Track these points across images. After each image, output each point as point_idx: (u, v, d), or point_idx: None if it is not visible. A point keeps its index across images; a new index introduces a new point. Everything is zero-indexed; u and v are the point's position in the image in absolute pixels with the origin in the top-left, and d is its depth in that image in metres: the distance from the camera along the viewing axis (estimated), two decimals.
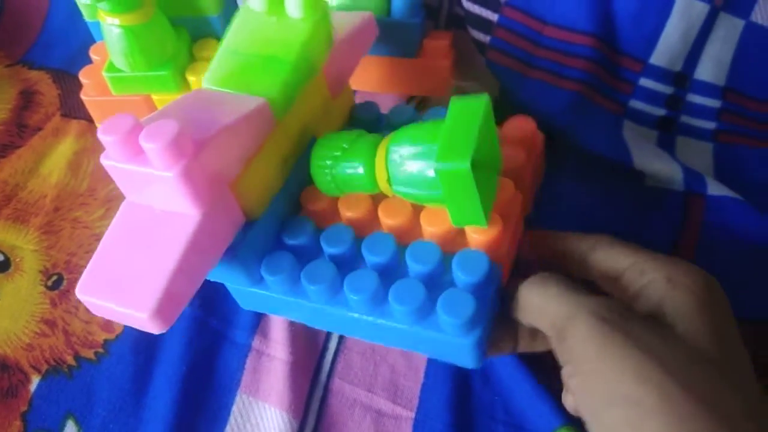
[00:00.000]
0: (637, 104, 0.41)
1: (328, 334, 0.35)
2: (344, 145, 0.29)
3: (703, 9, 0.37)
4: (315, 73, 0.31)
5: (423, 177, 0.26)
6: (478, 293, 0.26)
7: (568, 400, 0.27)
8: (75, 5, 0.40)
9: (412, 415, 0.32)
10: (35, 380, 0.34)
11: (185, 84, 0.38)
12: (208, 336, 0.35)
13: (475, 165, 0.24)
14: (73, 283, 0.37)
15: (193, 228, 0.25)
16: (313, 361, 0.34)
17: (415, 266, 0.27)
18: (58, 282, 0.37)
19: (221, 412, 0.33)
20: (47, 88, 0.47)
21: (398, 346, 0.29)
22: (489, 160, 0.27)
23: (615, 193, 0.37)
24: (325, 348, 0.35)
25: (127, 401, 0.33)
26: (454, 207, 0.26)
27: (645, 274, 0.25)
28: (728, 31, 0.38)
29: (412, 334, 0.27)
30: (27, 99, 0.47)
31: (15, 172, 0.42)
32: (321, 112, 0.33)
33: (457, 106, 0.26)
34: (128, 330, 0.35)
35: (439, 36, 0.40)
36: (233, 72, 0.29)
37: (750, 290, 0.32)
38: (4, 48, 0.50)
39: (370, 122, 0.36)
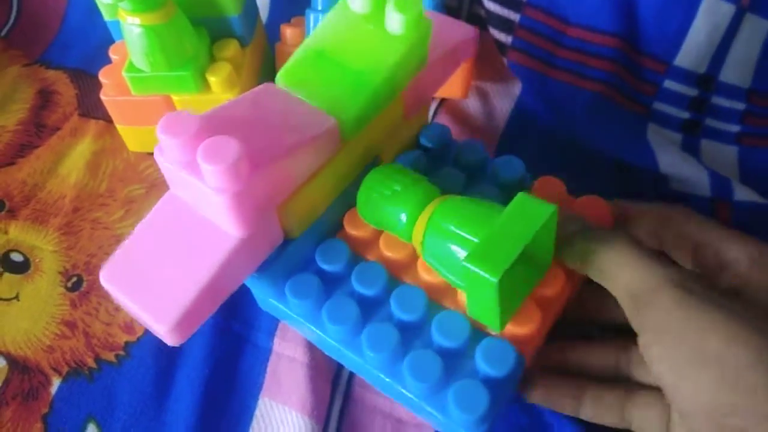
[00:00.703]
0: (661, 106, 0.40)
1: None
2: (396, 188, 0.28)
3: (729, 9, 0.37)
4: (396, 94, 0.29)
5: (454, 261, 0.25)
6: (495, 390, 0.25)
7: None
8: (93, 4, 0.39)
9: None
10: (56, 382, 0.34)
11: (205, 84, 0.38)
12: (229, 339, 0.35)
13: (511, 271, 0.23)
14: (93, 284, 0.37)
15: (231, 247, 0.24)
16: (333, 365, 0.34)
17: (439, 338, 0.26)
18: (78, 283, 0.37)
19: (244, 416, 0.32)
20: (65, 88, 0.47)
21: (406, 407, 0.28)
22: (536, 260, 0.26)
23: (638, 198, 0.37)
24: None
25: (149, 405, 0.33)
26: (473, 303, 0.25)
27: (729, 252, 0.25)
28: (754, 32, 0.37)
29: (420, 405, 0.26)
30: (45, 98, 0.46)
31: (34, 172, 0.42)
32: (390, 132, 0.31)
33: (521, 204, 0.24)
34: (150, 333, 0.35)
35: None
36: (312, 77, 0.28)
37: None
38: (21, 47, 0.50)
39: (437, 151, 0.33)
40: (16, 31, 0.51)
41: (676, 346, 0.22)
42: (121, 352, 0.35)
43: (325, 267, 0.29)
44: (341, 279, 0.29)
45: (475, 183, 0.32)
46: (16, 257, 0.39)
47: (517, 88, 0.43)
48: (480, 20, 0.45)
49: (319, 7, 0.40)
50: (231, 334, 0.35)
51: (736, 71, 0.38)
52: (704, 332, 0.22)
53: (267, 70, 0.44)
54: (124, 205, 0.40)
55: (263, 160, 0.24)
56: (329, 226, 0.30)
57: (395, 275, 0.29)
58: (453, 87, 0.41)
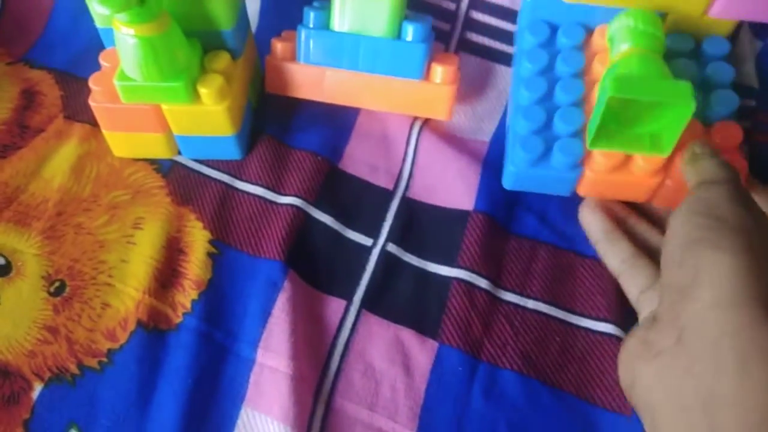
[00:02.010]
0: None
1: (330, 348, 0.36)
2: None
3: None
4: None
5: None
6: None
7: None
8: (80, 6, 0.39)
9: None
10: (38, 388, 0.34)
11: (196, 95, 0.38)
12: (212, 349, 0.35)
13: (625, 105, 0.34)
14: (76, 290, 0.37)
15: None
16: (315, 376, 0.35)
17: None
18: (61, 288, 0.37)
19: (226, 425, 0.33)
20: (49, 89, 0.47)
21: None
22: (656, 134, 0.35)
23: None
24: (326, 365, 0.35)
25: (132, 412, 0.33)
26: (594, 116, 0.34)
27: None
28: None
29: None
30: (29, 99, 0.46)
31: (16, 174, 0.42)
32: None
33: (681, 86, 0.32)
34: (133, 340, 0.35)
35: (447, 60, 0.41)
36: None
37: None
38: (4, 45, 0.50)
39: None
40: (0, 28, 0.51)
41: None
42: (104, 359, 0.35)
43: None
44: None
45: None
46: None
47: (501, 109, 0.45)
48: (470, 45, 0.47)
49: (311, 24, 0.40)
50: (214, 344, 0.35)
51: None
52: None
53: (256, 83, 0.45)
54: (107, 211, 0.40)
55: None
56: None
57: None
58: (438, 108, 0.42)
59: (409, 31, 0.39)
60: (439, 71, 0.41)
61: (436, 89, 0.41)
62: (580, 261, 0.39)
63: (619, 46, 0.36)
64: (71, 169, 0.42)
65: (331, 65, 0.41)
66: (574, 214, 0.39)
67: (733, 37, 0.41)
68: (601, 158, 0.36)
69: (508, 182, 0.39)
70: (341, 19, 0.40)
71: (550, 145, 0.37)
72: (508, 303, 0.37)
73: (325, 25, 0.41)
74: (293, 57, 0.42)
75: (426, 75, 0.41)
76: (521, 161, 0.37)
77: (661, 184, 0.37)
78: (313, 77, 0.42)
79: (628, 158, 0.36)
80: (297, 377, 0.34)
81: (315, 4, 0.42)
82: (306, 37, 0.41)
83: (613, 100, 0.32)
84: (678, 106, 0.32)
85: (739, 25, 0.41)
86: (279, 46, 0.42)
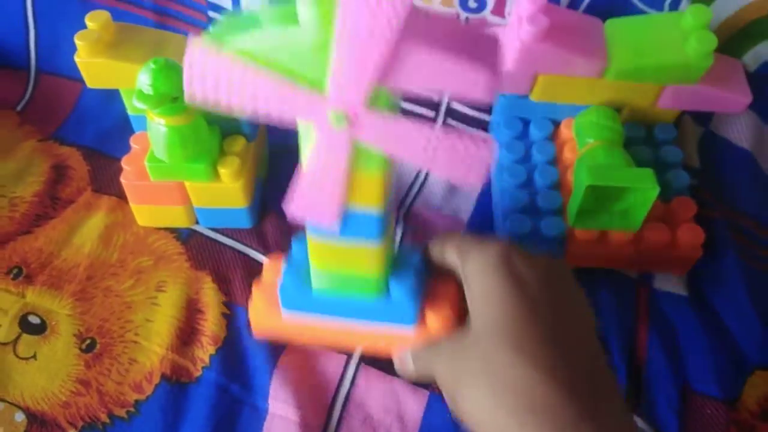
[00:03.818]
0: None
1: (333, 400, 0.40)
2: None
3: None
4: None
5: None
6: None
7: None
8: (105, 91, 0.45)
9: None
10: None
11: (216, 175, 0.44)
12: (229, 400, 0.40)
13: (598, 191, 0.39)
14: (106, 347, 0.42)
15: None
16: (320, 424, 0.39)
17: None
18: (92, 345, 0.42)
19: None
20: (78, 164, 0.52)
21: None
22: (626, 213, 0.41)
23: None
24: (329, 414, 0.40)
25: None
26: (572, 200, 0.42)
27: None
28: None
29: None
30: (59, 173, 0.51)
31: (50, 242, 0.47)
32: None
33: (644, 173, 0.39)
34: (158, 392, 0.40)
35: (440, 304, 0.37)
36: None
37: None
38: (36, 123, 0.55)
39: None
40: (32, 107, 0.57)
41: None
42: (132, 409, 0.39)
43: None
44: None
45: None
46: (34, 320, 0.43)
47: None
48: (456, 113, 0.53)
49: (291, 273, 0.37)
50: (230, 396, 0.40)
51: None
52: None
53: (265, 160, 0.51)
54: (133, 275, 0.45)
55: None
56: None
57: None
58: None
59: (396, 288, 0.36)
60: (433, 319, 0.37)
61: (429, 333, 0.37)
62: None
63: (585, 139, 0.43)
64: (100, 237, 0.47)
65: (314, 314, 0.38)
66: None
67: (676, 123, 0.48)
68: (581, 234, 0.42)
69: None
70: (319, 279, 0.36)
71: (536, 223, 0.43)
72: None
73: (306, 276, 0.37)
74: (276, 303, 0.38)
75: (419, 321, 0.37)
76: (512, 237, 0.43)
77: (635, 253, 0.43)
78: (297, 329, 0.39)
79: (604, 233, 0.42)
80: (304, 424, 0.38)
81: (297, 248, 0.39)
82: (283, 291, 0.37)
83: (589, 187, 0.39)
84: (644, 190, 0.39)
85: (682, 114, 0.48)
86: (258, 297, 0.39)
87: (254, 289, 0.39)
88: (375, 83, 0.25)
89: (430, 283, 0.37)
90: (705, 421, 0.39)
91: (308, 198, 0.31)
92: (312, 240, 0.34)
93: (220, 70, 0.26)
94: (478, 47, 0.26)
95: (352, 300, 0.36)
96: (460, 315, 0.36)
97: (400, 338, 0.37)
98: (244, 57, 0.26)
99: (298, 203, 0.31)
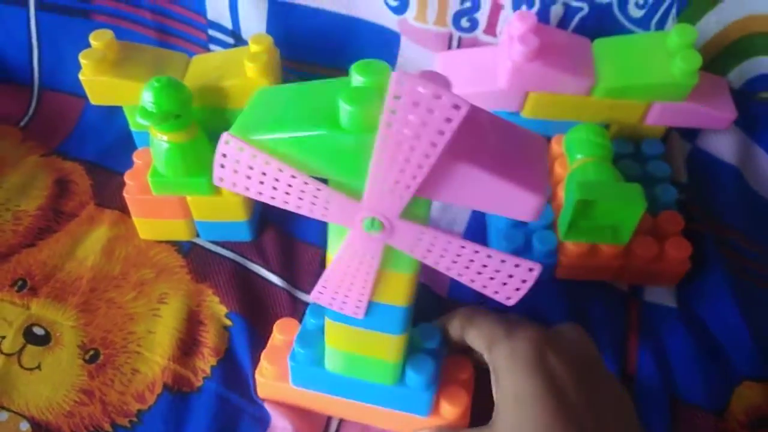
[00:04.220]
0: None
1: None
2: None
3: None
4: None
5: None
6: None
7: None
8: (107, 107, 0.46)
9: None
10: None
11: (217, 189, 0.45)
12: (230, 409, 0.40)
13: (589, 205, 0.41)
14: (110, 357, 0.43)
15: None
16: (319, 430, 0.40)
17: None
18: (95, 356, 0.43)
19: None
20: (80, 179, 0.53)
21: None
22: (616, 229, 0.43)
23: None
24: (328, 423, 0.41)
25: None
26: (563, 213, 0.43)
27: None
28: None
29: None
30: (62, 187, 0.53)
31: (53, 255, 0.48)
32: None
33: (634, 189, 0.40)
34: (160, 402, 0.41)
35: (456, 394, 0.37)
36: None
37: None
38: (39, 139, 0.56)
39: None
40: (35, 123, 0.58)
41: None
42: (134, 419, 0.40)
43: None
44: None
45: None
46: (38, 331, 0.44)
47: None
48: None
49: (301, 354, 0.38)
50: (231, 405, 0.41)
51: None
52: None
53: None
54: (135, 287, 0.46)
55: None
56: None
57: None
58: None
59: (414, 378, 0.35)
60: (448, 409, 0.37)
61: (443, 421, 0.37)
62: None
63: (575, 155, 0.44)
64: (102, 250, 0.48)
65: (325, 393, 0.38)
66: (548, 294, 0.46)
67: (663, 139, 0.49)
68: (572, 247, 0.43)
69: None
70: (333, 360, 0.36)
71: (528, 237, 0.44)
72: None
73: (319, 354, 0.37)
74: (284, 377, 0.39)
75: (433, 410, 0.37)
76: (506, 251, 0.44)
77: (624, 265, 0.44)
78: (306, 399, 0.39)
79: (594, 246, 0.43)
80: None
81: (311, 320, 0.38)
82: (294, 369, 0.38)
83: (579, 202, 0.40)
84: (632, 205, 0.40)
85: (669, 130, 0.49)
86: (266, 367, 0.39)
87: (263, 355, 0.39)
88: (415, 195, 0.24)
89: (445, 363, 0.38)
90: (694, 431, 0.40)
91: (334, 290, 0.30)
92: (330, 321, 0.34)
93: (254, 164, 0.25)
94: (527, 153, 0.25)
95: (366, 383, 0.36)
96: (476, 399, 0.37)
97: (412, 422, 0.37)
98: (279, 153, 0.25)
99: (323, 295, 0.31)
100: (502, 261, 0.27)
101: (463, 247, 0.27)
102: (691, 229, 0.46)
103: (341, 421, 0.41)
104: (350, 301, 0.31)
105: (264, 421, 0.40)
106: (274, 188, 0.26)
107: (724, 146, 0.50)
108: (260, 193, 0.27)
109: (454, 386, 0.37)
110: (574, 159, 0.44)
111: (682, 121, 0.47)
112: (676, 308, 0.45)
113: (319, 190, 0.26)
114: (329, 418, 0.41)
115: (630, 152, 0.48)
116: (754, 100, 0.48)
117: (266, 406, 0.40)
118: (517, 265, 0.27)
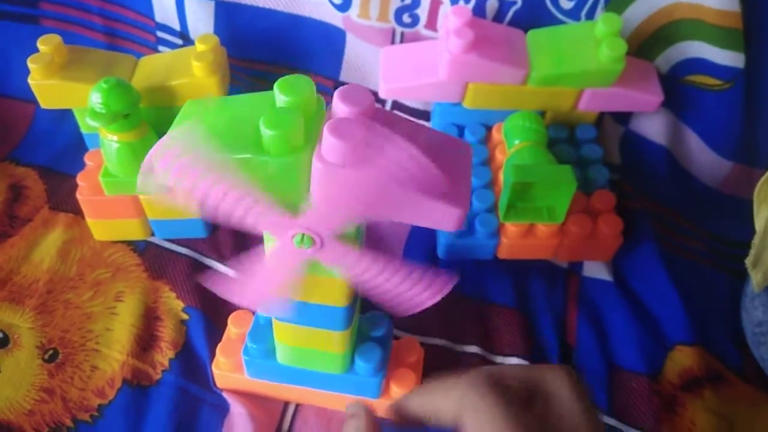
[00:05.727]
0: None
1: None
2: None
3: None
4: None
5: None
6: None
7: None
8: (58, 112, 0.47)
9: None
10: None
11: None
12: (189, 400, 0.42)
13: (523, 186, 0.43)
14: (69, 356, 0.43)
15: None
16: (276, 415, 0.42)
17: None
18: (54, 355, 0.44)
19: None
20: (34, 183, 0.54)
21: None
22: (550, 209, 0.45)
23: None
24: (285, 408, 0.42)
25: None
26: (502, 196, 0.45)
27: None
28: None
29: None
30: (16, 192, 0.53)
31: (9, 259, 0.49)
32: None
33: (564, 170, 0.42)
34: (120, 396, 0.42)
35: (404, 375, 0.39)
36: None
37: None
38: None
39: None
40: None
41: None
42: (95, 413, 0.41)
43: None
44: None
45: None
46: None
47: None
48: None
49: (254, 348, 0.39)
50: (190, 396, 0.42)
51: None
52: None
53: None
54: (92, 287, 0.47)
55: None
56: None
57: None
58: None
59: (362, 366, 0.38)
60: (397, 391, 0.39)
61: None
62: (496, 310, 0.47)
63: (512, 141, 0.46)
64: (58, 252, 0.49)
65: (279, 382, 0.40)
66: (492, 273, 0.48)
67: (597, 123, 0.52)
68: (512, 228, 0.45)
69: (442, 253, 0.48)
70: (283, 353, 0.38)
71: (471, 220, 0.46)
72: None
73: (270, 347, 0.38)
74: (240, 368, 0.41)
75: (383, 393, 0.39)
76: (450, 235, 0.46)
77: (561, 243, 0.46)
78: (262, 387, 0.41)
79: (532, 226, 0.46)
80: (261, 419, 0.41)
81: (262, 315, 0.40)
82: (248, 362, 0.40)
83: (516, 184, 0.42)
84: (564, 185, 0.42)
85: (602, 115, 0.52)
86: (222, 360, 0.41)
87: (219, 349, 0.41)
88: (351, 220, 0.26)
89: (395, 347, 0.40)
90: (630, 394, 0.42)
91: (253, 290, 0.31)
92: (276, 319, 0.35)
93: (185, 173, 0.25)
94: (452, 161, 0.26)
95: (317, 372, 0.38)
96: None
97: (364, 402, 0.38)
98: (212, 164, 0.24)
99: (242, 293, 0.32)
100: (420, 276, 0.29)
101: (384, 265, 0.28)
102: (625, 207, 0.48)
103: (298, 405, 0.42)
104: (267, 302, 0.32)
105: (223, 408, 0.41)
106: (207, 199, 0.26)
107: (654, 128, 0.53)
108: (188, 203, 0.26)
109: (402, 369, 0.39)
110: (512, 145, 0.47)
111: (612, 106, 0.49)
112: (612, 281, 0.48)
113: (256, 203, 0.26)
114: (286, 403, 0.42)
115: (565, 137, 0.50)
116: (681, 83, 0.51)
117: (224, 394, 0.42)
118: (432, 279, 0.29)
